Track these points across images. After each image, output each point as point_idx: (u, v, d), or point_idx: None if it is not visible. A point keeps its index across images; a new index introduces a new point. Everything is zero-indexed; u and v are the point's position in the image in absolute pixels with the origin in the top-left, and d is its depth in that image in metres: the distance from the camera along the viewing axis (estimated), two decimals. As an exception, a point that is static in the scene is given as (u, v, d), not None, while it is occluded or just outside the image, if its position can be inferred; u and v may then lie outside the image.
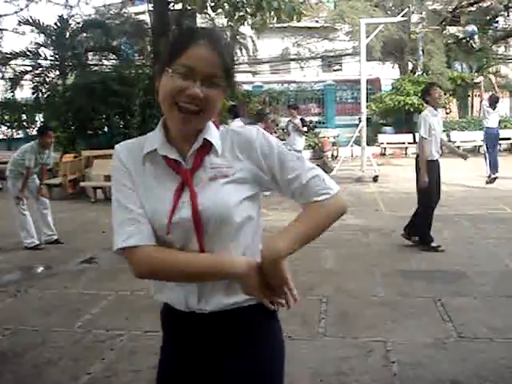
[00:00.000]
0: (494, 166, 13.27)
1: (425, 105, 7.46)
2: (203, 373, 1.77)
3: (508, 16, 26.86)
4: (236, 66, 1.72)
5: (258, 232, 1.81)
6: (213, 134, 1.74)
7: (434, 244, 7.29)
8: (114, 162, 1.79)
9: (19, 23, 22.18)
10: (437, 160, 7.35)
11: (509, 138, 22.87)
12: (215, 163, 1.72)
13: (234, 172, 1.71)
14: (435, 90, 7.39)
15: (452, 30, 27.36)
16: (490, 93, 18.30)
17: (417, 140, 7.18)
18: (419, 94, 23.28)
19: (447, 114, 26.69)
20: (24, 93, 22.96)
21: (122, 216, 1.71)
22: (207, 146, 1.72)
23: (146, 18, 23.85)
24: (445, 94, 24.12)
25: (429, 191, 7.29)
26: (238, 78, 26.31)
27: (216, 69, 1.64)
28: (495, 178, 13.02)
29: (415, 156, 7.69)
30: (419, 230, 7.46)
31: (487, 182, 12.99)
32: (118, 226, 1.70)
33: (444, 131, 24.07)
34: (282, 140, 16.34)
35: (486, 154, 13.71)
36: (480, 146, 21.69)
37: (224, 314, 1.73)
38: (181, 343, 1.80)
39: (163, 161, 1.72)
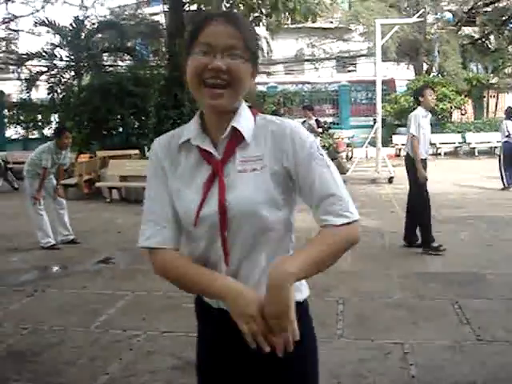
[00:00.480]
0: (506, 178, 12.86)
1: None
2: (240, 365, 1.74)
3: (524, 16, 26.66)
4: (259, 43, 1.64)
5: (287, 236, 1.74)
6: (244, 121, 1.68)
7: (435, 244, 7.28)
8: (150, 157, 1.79)
9: (35, 24, 22.38)
10: (425, 159, 7.41)
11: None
12: (245, 154, 1.66)
13: (263, 165, 1.65)
14: (429, 91, 7.44)
15: (467, 30, 27.23)
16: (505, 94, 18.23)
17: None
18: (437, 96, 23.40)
19: (462, 115, 26.57)
20: (40, 93, 23.10)
21: (148, 215, 1.74)
22: (237, 135, 1.66)
23: (161, 18, 24.01)
24: (460, 95, 24.03)
25: (421, 190, 7.34)
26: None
27: (235, 39, 1.60)
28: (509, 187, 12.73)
29: (404, 156, 7.67)
30: (421, 231, 7.45)
31: (503, 189, 12.76)
32: (144, 224, 1.75)
33: (459, 132, 24.11)
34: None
35: (502, 168, 12.99)
36: (495, 147, 21.56)
37: None
38: (215, 335, 1.77)
39: (197, 151, 1.70)
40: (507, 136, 12.81)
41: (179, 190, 1.71)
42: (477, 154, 22.71)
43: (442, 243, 7.45)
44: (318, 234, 1.64)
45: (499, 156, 13.33)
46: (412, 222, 7.49)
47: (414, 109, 7.58)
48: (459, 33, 25.30)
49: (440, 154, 23.20)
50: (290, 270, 1.51)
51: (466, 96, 25.06)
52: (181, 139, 1.72)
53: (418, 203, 7.40)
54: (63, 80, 21.55)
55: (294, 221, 1.77)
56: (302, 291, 1.76)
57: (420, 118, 7.28)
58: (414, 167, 7.28)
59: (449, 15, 21.37)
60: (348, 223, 1.62)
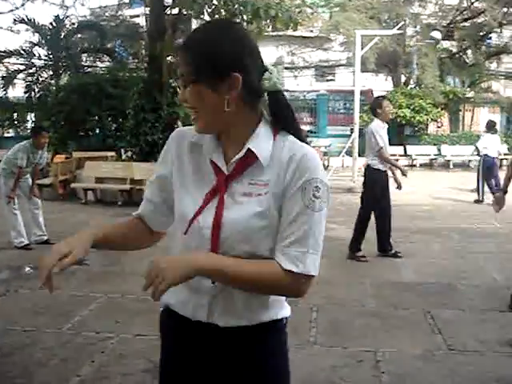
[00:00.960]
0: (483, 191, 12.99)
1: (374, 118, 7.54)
2: (207, 379, 1.71)
3: (501, 32, 27.10)
4: (222, 47, 1.48)
5: None
6: (261, 143, 1.59)
7: (392, 251, 7.47)
8: (166, 144, 1.79)
9: (14, 22, 22.15)
10: (385, 171, 7.46)
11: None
12: (255, 177, 1.59)
13: (267, 191, 1.56)
14: (387, 103, 7.49)
15: (446, 44, 27.59)
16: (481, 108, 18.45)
17: (382, 152, 7.15)
18: (411, 107, 23.66)
19: (439, 127, 26.95)
20: (16, 92, 22.87)
21: (145, 194, 1.84)
22: (252, 157, 1.58)
23: (142, 21, 23.94)
24: (437, 108, 24.34)
25: (376, 199, 7.42)
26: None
27: (185, 66, 1.56)
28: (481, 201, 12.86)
29: (366, 167, 7.71)
30: (381, 237, 7.57)
31: (476, 201, 12.92)
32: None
33: (435, 145, 24.41)
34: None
35: (481, 181, 13.03)
36: (470, 160, 21.85)
37: (234, 329, 1.65)
38: (182, 350, 1.74)
39: (207, 158, 1.66)
40: (484, 148, 12.96)
41: (180, 190, 1.70)
42: (452, 166, 23.00)
43: (415, 253, 7.55)
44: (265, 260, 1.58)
45: (478, 169, 13.40)
46: (383, 231, 7.54)
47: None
48: (437, 46, 25.60)
49: (415, 165, 23.45)
50: (199, 261, 1.52)
51: (442, 109, 25.39)
52: (193, 138, 1.68)
53: (376, 213, 7.50)
54: (41, 79, 21.39)
55: None
56: (282, 309, 1.73)
57: (380, 130, 7.32)
58: (373, 178, 7.40)
59: (437, 35, 21.55)
60: (294, 273, 1.52)
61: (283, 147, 1.59)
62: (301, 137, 1.64)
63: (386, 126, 7.49)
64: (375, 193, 7.38)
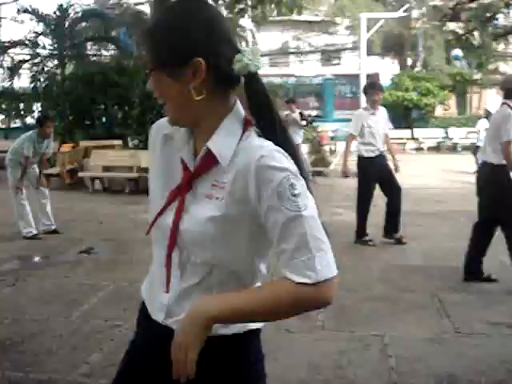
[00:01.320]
0: None
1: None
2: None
3: (508, 13, 26.90)
4: (184, 31, 1.36)
5: (250, 284, 1.51)
6: (223, 141, 1.43)
7: (366, 238, 7.51)
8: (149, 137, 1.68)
9: (18, 11, 22.08)
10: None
11: None
12: (218, 178, 1.43)
13: (224, 196, 1.41)
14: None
15: (452, 26, 27.38)
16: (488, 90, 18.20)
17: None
18: (418, 90, 23.52)
19: (445, 110, 26.76)
20: (22, 82, 22.87)
21: (149, 196, 1.63)
22: (213, 157, 1.43)
23: (146, 8, 23.85)
24: (443, 90, 24.21)
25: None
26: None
27: (147, 53, 1.44)
28: None
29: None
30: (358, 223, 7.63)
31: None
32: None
33: (442, 127, 24.29)
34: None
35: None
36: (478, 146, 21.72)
37: None
38: (144, 348, 1.66)
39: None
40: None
41: (151, 185, 1.61)
42: (459, 149, 22.88)
43: (422, 236, 7.53)
44: (275, 280, 1.41)
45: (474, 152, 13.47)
46: (390, 215, 7.53)
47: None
48: (444, 28, 25.43)
49: (423, 148, 23.35)
50: (211, 312, 1.35)
51: (449, 91, 25.24)
52: (167, 130, 1.55)
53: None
54: (46, 69, 21.33)
55: (265, 268, 1.56)
56: (227, 326, 1.51)
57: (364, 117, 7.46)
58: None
59: (458, 52, 21.34)
60: (309, 284, 1.33)
61: (244, 148, 1.41)
62: (272, 130, 1.44)
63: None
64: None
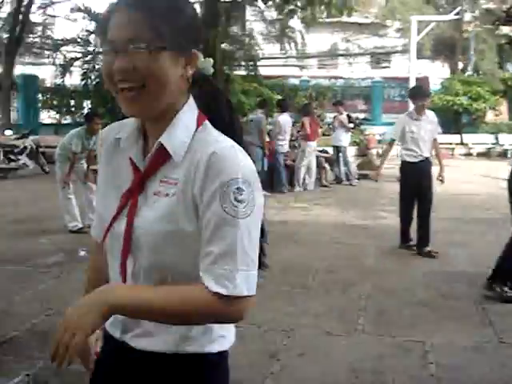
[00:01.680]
0: None
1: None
2: None
3: None
4: (188, 19, 1.32)
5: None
6: (177, 136, 1.34)
7: (411, 243, 7.34)
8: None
9: (71, 10, 22.55)
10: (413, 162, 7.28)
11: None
12: (168, 174, 1.35)
13: (175, 191, 1.32)
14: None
15: (505, 29, 26.81)
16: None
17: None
18: (469, 95, 23.11)
19: (496, 115, 26.19)
20: (73, 79, 23.31)
21: (96, 208, 1.65)
22: (166, 152, 1.34)
23: (196, 8, 24.03)
24: (495, 95, 23.72)
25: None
26: (286, 71, 26.36)
27: (140, 30, 1.26)
28: None
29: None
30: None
31: None
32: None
33: (492, 133, 23.79)
34: (327, 135, 16.28)
35: None
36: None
37: (150, 355, 1.42)
38: (105, 364, 1.57)
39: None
40: None
41: (100, 192, 1.53)
42: (510, 155, 22.38)
43: (469, 243, 7.38)
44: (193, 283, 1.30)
45: None
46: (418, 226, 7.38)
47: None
48: (496, 32, 24.90)
49: (472, 154, 22.93)
50: (109, 300, 1.26)
51: (501, 97, 24.71)
52: (120, 133, 1.46)
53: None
54: (97, 66, 21.71)
55: None
56: (213, 342, 1.43)
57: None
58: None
59: None
60: (224, 295, 1.24)
61: (198, 142, 1.34)
62: (221, 124, 1.40)
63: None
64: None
